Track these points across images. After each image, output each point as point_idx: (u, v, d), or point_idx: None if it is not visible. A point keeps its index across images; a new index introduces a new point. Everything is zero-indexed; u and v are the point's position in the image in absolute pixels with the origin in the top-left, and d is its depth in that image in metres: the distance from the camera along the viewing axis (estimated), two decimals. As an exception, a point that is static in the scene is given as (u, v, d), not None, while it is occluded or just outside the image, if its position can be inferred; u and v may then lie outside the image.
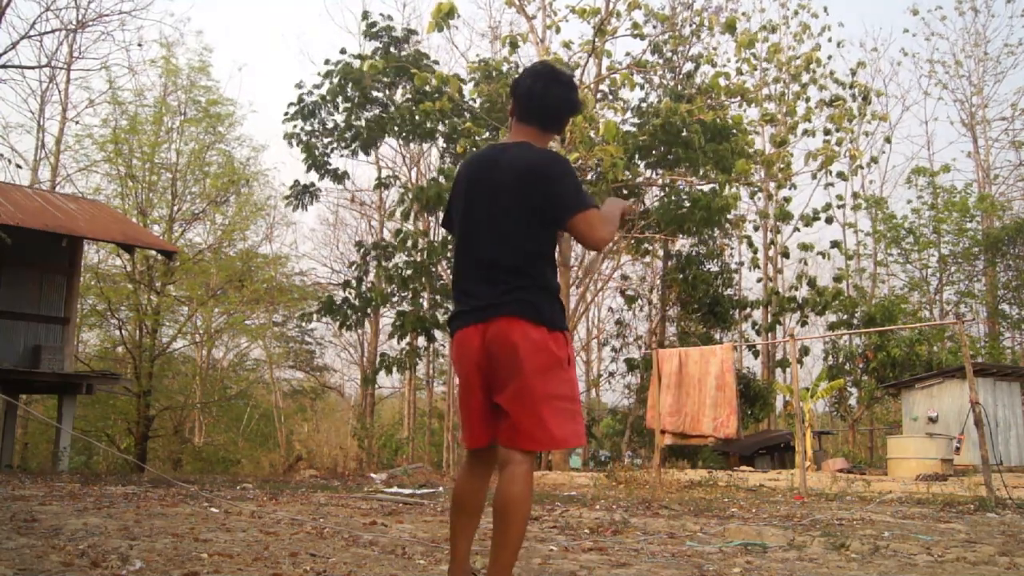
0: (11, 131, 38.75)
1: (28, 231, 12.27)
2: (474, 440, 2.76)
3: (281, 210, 24.32)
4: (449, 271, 19.07)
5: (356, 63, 18.68)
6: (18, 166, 19.16)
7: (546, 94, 2.84)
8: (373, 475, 12.81)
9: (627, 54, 21.02)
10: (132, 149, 20.76)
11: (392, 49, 19.04)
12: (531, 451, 2.64)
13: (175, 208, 21.24)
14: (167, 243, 17.59)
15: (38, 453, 20.43)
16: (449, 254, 18.69)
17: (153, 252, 17.89)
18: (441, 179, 17.25)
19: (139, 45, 31.73)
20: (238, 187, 21.74)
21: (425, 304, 19.30)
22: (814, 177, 21.71)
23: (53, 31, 17.28)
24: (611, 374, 24.71)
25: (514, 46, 18.07)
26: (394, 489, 8.89)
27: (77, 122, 22.49)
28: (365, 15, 19.36)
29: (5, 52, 13.30)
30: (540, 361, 2.62)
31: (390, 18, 19.50)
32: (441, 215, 20.17)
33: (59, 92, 22.58)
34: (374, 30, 19.28)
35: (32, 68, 19.08)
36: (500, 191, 2.73)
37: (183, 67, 21.97)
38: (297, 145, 19.25)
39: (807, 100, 20.29)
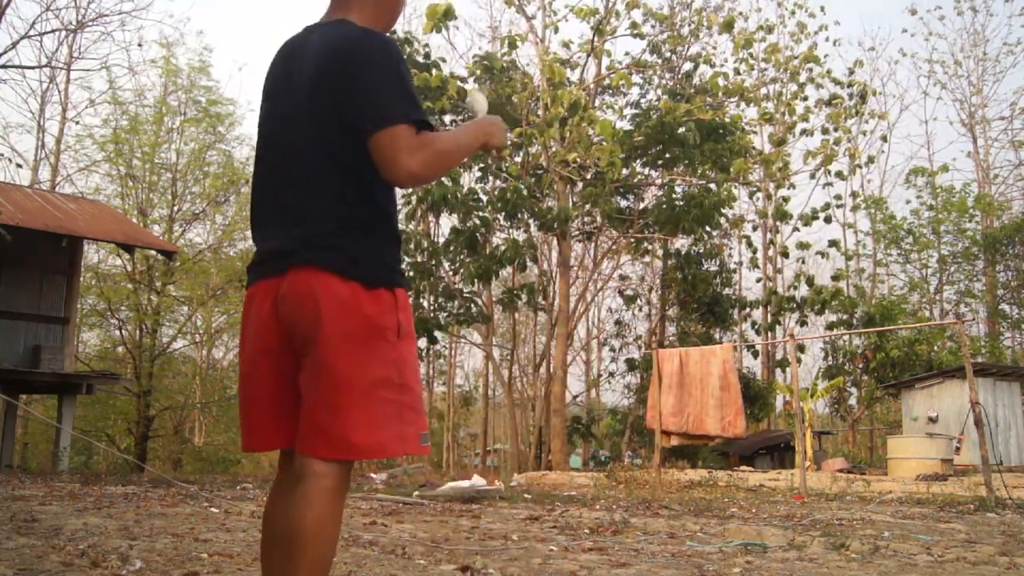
0: (11, 131, 38.75)
1: (28, 231, 12.27)
2: (257, 440, 1.90)
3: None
4: (451, 271, 19.09)
5: None
6: (19, 165, 19.18)
7: None
8: (373, 475, 12.81)
9: (626, 54, 21.04)
10: (132, 149, 20.78)
11: None
12: (335, 460, 1.77)
13: (175, 208, 21.26)
14: (167, 243, 17.59)
15: (38, 453, 20.43)
16: (451, 254, 18.71)
17: (153, 252, 17.90)
18: (445, 181, 17.23)
19: (139, 45, 31.79)
20: (238, 187, 21.76)
21: (427, 305, 19.31)
22: (813, 176, 21.76)
23: (53, 31, 17.26)
24: (611, 374, 24.73)
25: (513, 45, 18.09)
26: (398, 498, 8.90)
27: (77, 122, 22.52)
28: None
29: (5, 52, 13.29)
30: (348, 329, 1.78)
31: None
32: (440, 215, 20.29)
33: (59, 92, 22.62)
34: None
35: (32, 68, 19.07)
36: (296, 90, 1.91)
37: (183, 67, 22.02)
38: None
39: (805, 99, 20.31)
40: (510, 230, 19.27)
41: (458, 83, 17.11)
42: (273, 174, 1.95)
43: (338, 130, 1.84)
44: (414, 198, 17.67)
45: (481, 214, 18.34)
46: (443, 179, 17.54)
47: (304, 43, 1.97)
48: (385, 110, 1.80)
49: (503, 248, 17.31)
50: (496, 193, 18.68)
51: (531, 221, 19.08)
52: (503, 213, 18.09)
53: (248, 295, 1.94)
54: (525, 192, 16.96)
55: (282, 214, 1.90)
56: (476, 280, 17.83)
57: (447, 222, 20.45)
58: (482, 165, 19.35)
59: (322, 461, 1.76)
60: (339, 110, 1.83)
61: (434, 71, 17.68)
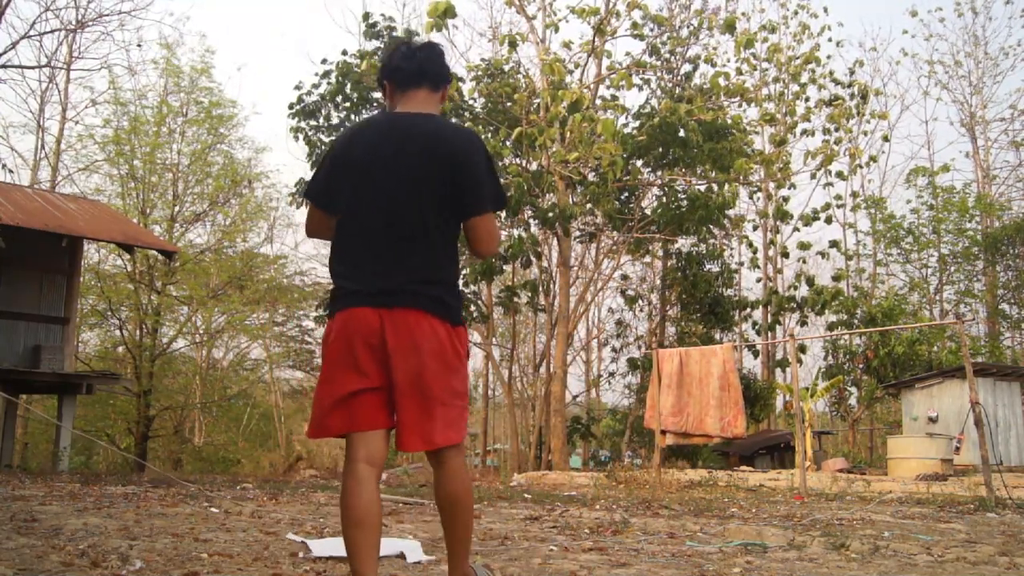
0: (12, 131, 38.75)
1: (28, 231, 12.27)
2: (341, 426, 2.43)
3: (282, 211, 24.38)
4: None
5: (355, 62, 18.73)
6: (10, 171, 19.18)
7: (418, 53, 2.67)
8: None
9: (627, 54, 21.04)
10: (133, 149, 20.78)
11: None
12: (453, 445, 2.49)
13: (176, 209, 21.26)
14: (167, 243, 17.60)
15: (38, 453, 20.43)
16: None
17: (153, 252, 17.90)
18: None
19: (139, 45, 31.68)
20: (239, 188, 21.76)
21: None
22: (813, 177, 21.75)
23: (53, 31, 17.30)
24: (611, 374, 24.73)
25: (513, 45, 18.08)
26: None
27: (77, 122, 22.56)
28: (366, 16, 19.42)
29: (5, 52, 13.31)
30: (444, 357, 2.43)
31: (391, 19, 19.59)
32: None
33: (59, 92, 22.61)
34: (374, 30, 19.35)
35: (32, 68, 19.11)
36: (410, 166, 2.47)
37: (184, 68, 22.02)
38: (304, 141, 19.46)
39: (806, 100, 20.31)
40: (511, 228, 19.27)
41: (459, 84, 17.14)
42: (378, 229, 2.48)
43: (441, 205, 2.47)
44: None
45: None
46: None
47: (409, 128, 2.53)
48: (485, 201, 2.52)
49: (507, 244, 17.30)
50: None
51: (531, 220, 19.05)
52: (505, 211, 18.08)
53: (347, 315, 2.45)
54: (525, 188, 16.95)
55: (386, 262, 2.46)
56: (479, 278, 17.81)
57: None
58: None
59: (452, 448, 2.49)
60: (448, 191, 2.46)
61: None
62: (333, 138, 19.53)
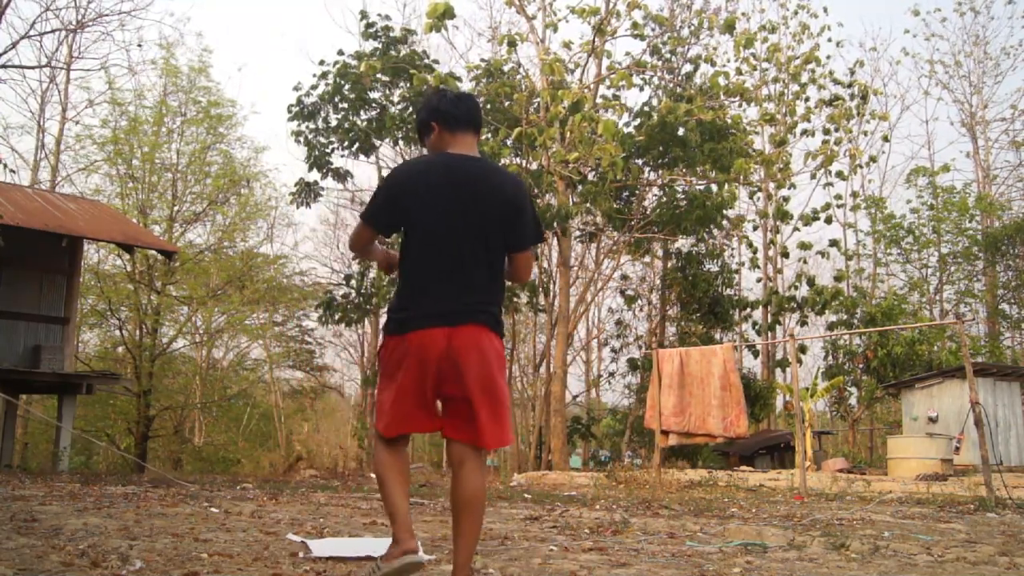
0: (11, 132, 38.70)
1: (28, 231, 12.27)
2: (410, 427, 3.00)
3: (282, 210, 24.37)
4: None
5: (353, 63, 18.71)
6: (12, 171, 19.18)
7: (466, 100, 3.12)
8: (373, 475, 12.80)
9: (627, 54, 21.02)
10: (132, 149, 20.78)
11: (391, 50, 19.07)
12: (485, 448, 2.97)
13: (175, 208, 21.25)
14: (167, 243, 17.60)
15: (38, 453, 20.43)
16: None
17: (153, 252, 17.90)
18: None
19: (139, 46, 31.67)
20: (238, 188, 21.75)
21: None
22: (813, 177, 21.73)
23: (53, 31, 17.27)
24: (611, 374, 24.72)
25: (512, 45, 18.08)
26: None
27: (77, 122, 22.51)
28: (363, 15, 19.38)
29: (5, 52, 13.31)
30: (499, 364, 2.94)
31: (388, 18, 19.55)
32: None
33: (59, 92, 22.61)
34: (372, 30, 19.31)
35: (32, 68, 19.09)
36: (488, 212, 2.93)
37: (183, 68, 22.01)
38: (303, 143, 19.40)
39: (806, 100, 20.30)
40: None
41: (457, 84, 17.14)
42: (448, 256, 2.90)
43: (496, 240, 2.95)
44: None
45: None
46: None
47: (469, 171, 2.98)
48: (529, 239, 3.05)
49: None
50: None
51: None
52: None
53: (423, 334, 2.86)
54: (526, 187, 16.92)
55: (454, 286, 2.90)
56: None
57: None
58: None
59: (481, 448, 2.96)
60: (503, 228, 2.95)
61: (435, 70, 17.71)
62: (333, 139, 19.57)
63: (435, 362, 2.85)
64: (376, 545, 3.96)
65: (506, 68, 18.92)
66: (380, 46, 19.21)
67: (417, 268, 2.94)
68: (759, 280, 24.95)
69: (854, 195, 26.16)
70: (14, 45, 13.54)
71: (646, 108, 19.63)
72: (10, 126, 40.95)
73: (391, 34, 19.38)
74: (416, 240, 2.94)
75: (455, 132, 3.04)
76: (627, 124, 19.27)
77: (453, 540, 2.94)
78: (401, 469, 3.00)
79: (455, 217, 2.90)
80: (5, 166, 14.10)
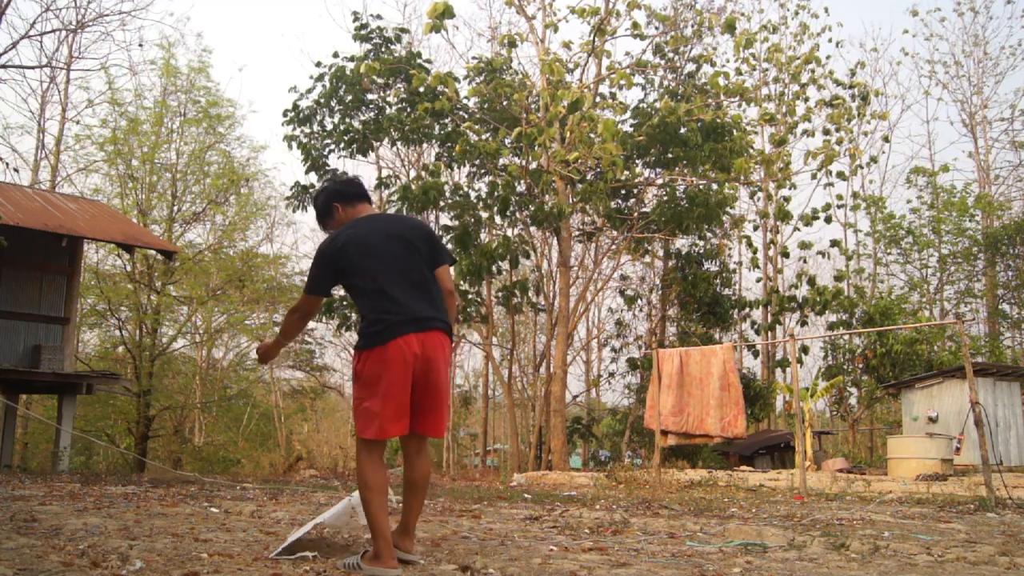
0: (11, 132, 38.71)
1: (28, 231, 12.27)
2: (402, 429, 3.46)
3: (281, 210, 24.38)
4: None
5: (349, 65, 18.67)
6: (15, 170, 19.15)
7: (352, 180, 3.97)
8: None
9: (627, 54, 21.01)
10: (132, 149, 20.78)
11: (383, 50, 19.04)
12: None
13: (175, 208, 21.25)
14: (167, 243, 17.59)
15: (38, 453, 20.44)
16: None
17: (153, 252, 17.90)
18: (428, 177, 17.28)
19: (140, 45, 31.70)
20: (238, 187, 21.75)
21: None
22: (814, 177, 21.72)
23: (53, 31, 17.29)
24: (611, 374, 24.72)
25: (512, 45, 18.07)
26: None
27: (77, 122, 22.51)
28: (356, 16, 19.26)
29: (5, 52, 13.29)
30: (448, 363, 3.58)
31: (380, 17, 19.48)
32: (429, 214, 20.18)
33: (59, 92, 22.60)
34: (364, 32, 19.20)
35: (32, 68, 19.10)
36: (410, 245, 3.60)
37: (183, 68, 22.00)
38: (297, 148, 19.28)
39: (806, 100, 20.31)
40: (504, 227, 19.24)
41: (456, 84, 17.13)
42: (403, 280, 3.53)
43: (428, 262, 3.65)
44: (395, 196, 17.57)
45: (475, 212, 18.32)
46: (426, 176, 17.61)
47: (383, 218, 3.81)
48: (447, 256, 3.77)
49: (495, 244, 17.19)
50: (487, 188, 18.62)
51: (526, 218, 19.01)
52: (495, 209, 18.03)
53: (401, 341, 3.40)
54: (522, 190, 16.91)
55: (421, 300, 3.52)
56: (467, 277, 17.75)
57: (433, 219, 20.42)
58: (477, 163, 19.40)
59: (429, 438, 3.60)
60: (426, 251, 3.65)
61: (432, 71, 17.72)
62: (330, 141, 19.50)
63: (413, 364, 3.37)
64: (325, 517, 4.11)
65: (505, 69, 18.90)
66: (372, 47, 19.17)
67: (379, 295, 3.47)
68: (759, 280, 24.96)
69: (854, 195, 26.17)
70: (14, 45, 13.54)
71: (646, 108, 19.63)
72: (10, 126, 41.02)
73: (384, 34, 19.32)
74: (368, 279, 3.50)
75: (354, 204, 3.75)
76: (625, 123, 19.27)
77: (404, 509, 3.61)
78: (384, 487, 3.40)
79: (391, 252, 3.53)
80: (8, 165, 14.12)
